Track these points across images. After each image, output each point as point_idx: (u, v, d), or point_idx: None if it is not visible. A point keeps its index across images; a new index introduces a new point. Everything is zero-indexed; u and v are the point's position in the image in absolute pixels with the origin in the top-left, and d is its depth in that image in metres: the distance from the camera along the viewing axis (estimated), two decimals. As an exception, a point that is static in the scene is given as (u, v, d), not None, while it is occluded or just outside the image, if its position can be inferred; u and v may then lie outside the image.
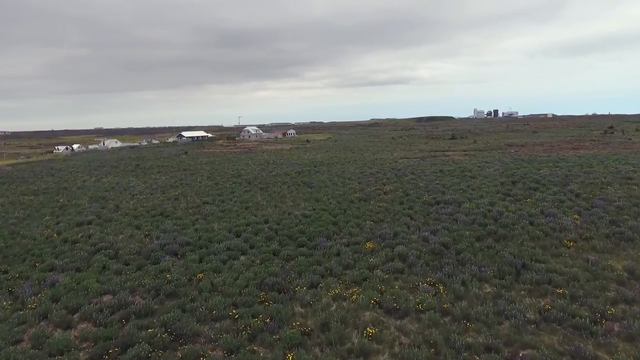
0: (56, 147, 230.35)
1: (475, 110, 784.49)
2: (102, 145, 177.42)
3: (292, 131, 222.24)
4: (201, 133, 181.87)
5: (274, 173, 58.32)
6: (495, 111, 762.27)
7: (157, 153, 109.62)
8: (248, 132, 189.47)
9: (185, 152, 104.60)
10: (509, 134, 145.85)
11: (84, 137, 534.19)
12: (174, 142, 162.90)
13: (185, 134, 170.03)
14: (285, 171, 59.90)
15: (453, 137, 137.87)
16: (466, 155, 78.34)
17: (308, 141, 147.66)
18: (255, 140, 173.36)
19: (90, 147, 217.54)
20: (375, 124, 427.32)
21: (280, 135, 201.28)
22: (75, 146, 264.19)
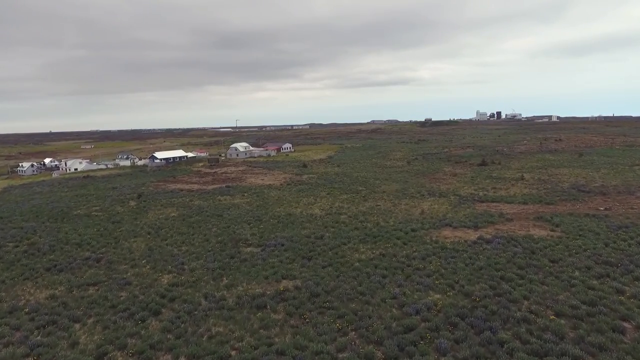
0: (20, 165, 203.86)
1: (477, 112, 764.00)
2: (65, 166, 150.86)
3: (287, 145, 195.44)
4: (179, 152, 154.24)
5: (232, 301, 31.43)
6: (499, 113, 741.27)
7: (103, 193, 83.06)
8: (236, 149, 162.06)
9: (139, 195, 77.97)
10: (549, 157, 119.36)
11: (72, 142, 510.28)
12: (144, 165, 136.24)
13: (159, 154, 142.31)
14: (256, 291, 33.04)
15: (483, 163, 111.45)
16: (540, 219, 51.84)
17: (305, 166, 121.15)
18: (244, 161, 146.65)
19: (63, 162, 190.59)
20: (377, 130, 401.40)
21: (273, 152, 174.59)
22: (47, 160, 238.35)
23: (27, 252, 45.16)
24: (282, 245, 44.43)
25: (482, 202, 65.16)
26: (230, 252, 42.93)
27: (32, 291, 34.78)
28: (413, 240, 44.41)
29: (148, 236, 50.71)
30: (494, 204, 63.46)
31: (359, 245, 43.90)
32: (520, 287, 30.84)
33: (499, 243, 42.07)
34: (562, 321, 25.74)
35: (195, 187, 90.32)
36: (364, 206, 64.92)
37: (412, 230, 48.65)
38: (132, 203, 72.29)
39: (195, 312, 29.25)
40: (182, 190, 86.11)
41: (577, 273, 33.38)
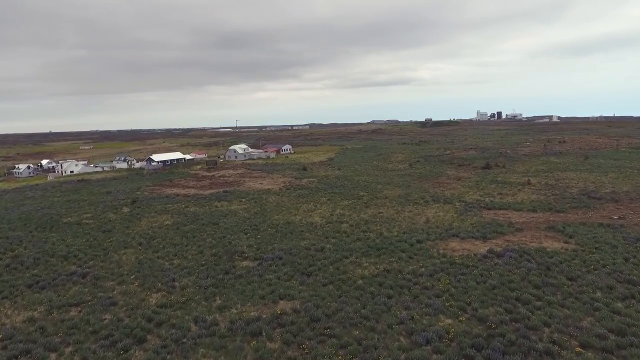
0: (16, 167, 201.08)
1: (478, 113, 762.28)
2: (60, 169, 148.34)
3: (287, 147, 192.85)
4: (177, 155, 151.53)
5: (224, 326, 28.78)
6: (499, 113, 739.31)
7: (97, 198, 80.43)
8: (235, 151, 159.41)
9: (134, 201, 75.45)
10: (554, 160, 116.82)
11: (71, 143, 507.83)
12: (140, 168, 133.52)
13: (156, 157, 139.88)
14: (250, 314, 30.42)
15: (487, 167, 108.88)
16: (552, 229, 49.26)
17: (305, 169, 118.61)
18: (242, 163, 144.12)
19: (59, 164, 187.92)
20: (378, 130, 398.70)
21: (273, 154, 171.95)
22: (44, 161, 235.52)
23: (10, 266, 42.58)
24: (280, 258, 41.87)
25: (489, 209, 62.60)
26: (225, 266, 40.37)
27: (9, 313, 32.24)
28: (419, 254, 41.84)
29: (139, 247, 48.14)
30: (502, 211, 60.89)
31: (362, 258, 41.35)
32: (539, 311, 28.29)
33: (510, 257, 39.51)
34: (590, 354, 23.18)
35: (192, 191, 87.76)
36: (365, 213, 62.39)
37: (418, 241, 46.07)
38: (126, 209, 69.75)
39: (184, 340, 26.70)
40: (178, 195, 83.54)
41: (598, 294, 30.82)
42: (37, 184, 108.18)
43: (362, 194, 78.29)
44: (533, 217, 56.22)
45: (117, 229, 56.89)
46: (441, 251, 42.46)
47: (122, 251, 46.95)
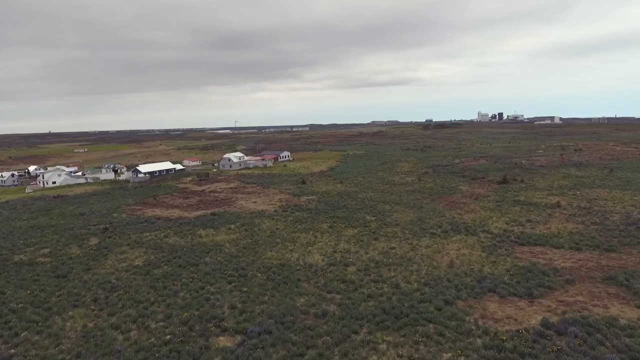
0: (1, 174, 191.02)
1: (479, 114, 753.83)
2: (42, 179, 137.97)
3: (286, 154, 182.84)
4: (166, 165, 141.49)
5: None
6: (500, 114, 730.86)
7: (66, 222, 70.25)
8: (229, 160, 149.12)
9: (106, 229, 65.40)
10: (576, 173, 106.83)
11: (66, 145, 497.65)
12: (125, 180, 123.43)
13: (143, 167, 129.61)
14: None
15: (504, 181, 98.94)
16: (611, 280, 39.35)
17: (304, 182, 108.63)
18: (237, 173, 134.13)
19: (41, 174, 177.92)
20: (379, 133, 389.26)
21: (270, 162, 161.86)
22: (32, 168, 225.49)
23: None
24: (269, 333, 31.80)
25: (522, 244, 52.54)
26: (195, 346, 30.32)
27: None
28: (451, 326, 31.79)
29: (92, 306, 38.13)
30: (538, 248, 50.85)
31: (377, 334, 31.30)
32: None
33: (576, 336, 29.46)
34: None
35: (176, 213, 77.69)
36: (375, 249, 52.46)
37: (446, 302, 36.02)
38: (93, 241, 59.71)
39: None
40: (159, 218, 73.48)
41: None
42: (7, 201, 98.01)
43: (368, 218, 68.32)
44: (580, 260, 46.14)
45: (74, 273, 46.84)
46: (480, 322, 32.38)
47: (70, 313, 36.97)
